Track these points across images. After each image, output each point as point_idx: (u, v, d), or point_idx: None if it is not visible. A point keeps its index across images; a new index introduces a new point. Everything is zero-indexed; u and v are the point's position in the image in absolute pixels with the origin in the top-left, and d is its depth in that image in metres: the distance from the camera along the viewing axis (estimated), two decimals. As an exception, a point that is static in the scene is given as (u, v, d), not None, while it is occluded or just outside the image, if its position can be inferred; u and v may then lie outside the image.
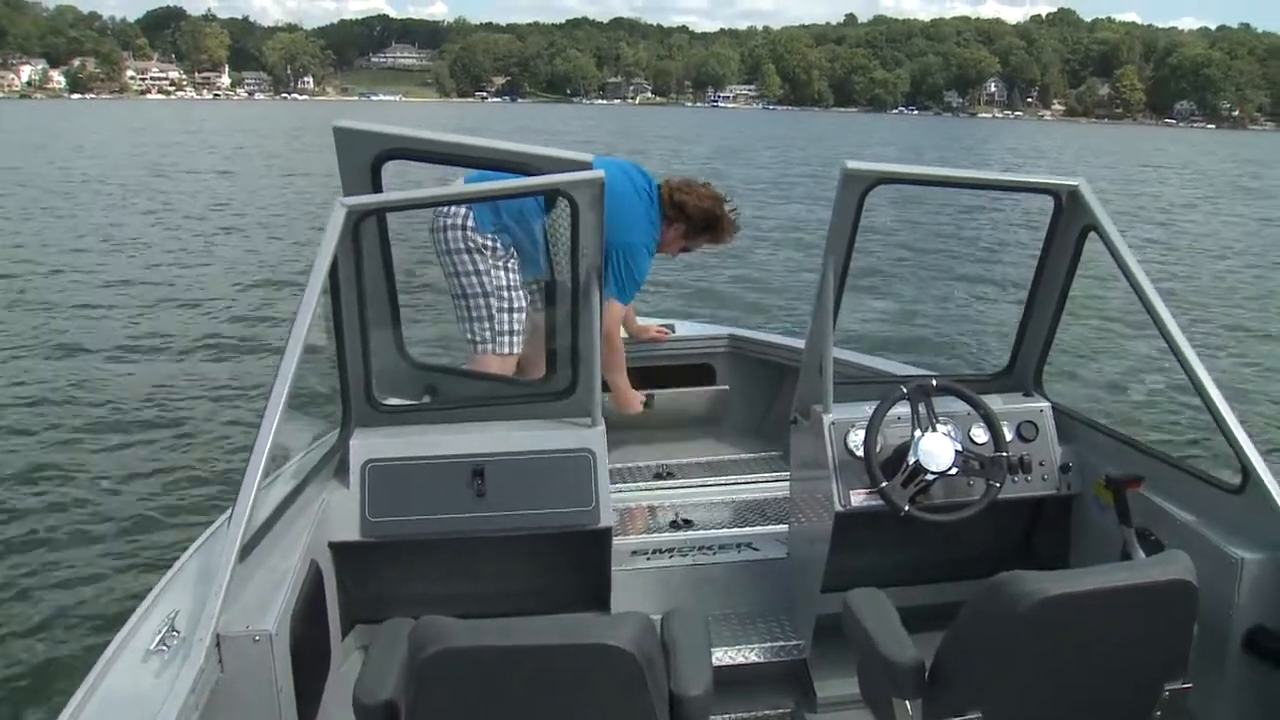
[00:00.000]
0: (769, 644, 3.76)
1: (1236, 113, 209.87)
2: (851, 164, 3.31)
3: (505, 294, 4.37)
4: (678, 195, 4.63)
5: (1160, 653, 2.43)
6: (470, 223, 4.29)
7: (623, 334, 5.08)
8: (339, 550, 3.40)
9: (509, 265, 4.37)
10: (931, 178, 3.82)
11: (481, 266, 4.33)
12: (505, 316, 4.39)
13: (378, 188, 3.55)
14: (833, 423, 3.55)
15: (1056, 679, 2.40)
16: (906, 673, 2.51)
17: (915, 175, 3.66)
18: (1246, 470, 2.98)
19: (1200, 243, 23.77)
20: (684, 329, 5.58)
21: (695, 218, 4.65)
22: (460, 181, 4.04)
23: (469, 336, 4.45)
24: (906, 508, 3.34)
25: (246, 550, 2.68)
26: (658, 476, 4.72)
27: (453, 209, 4.27)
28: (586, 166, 3.41)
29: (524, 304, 4.42)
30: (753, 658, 3.73)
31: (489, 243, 4.32)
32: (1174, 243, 23.45)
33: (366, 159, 3.52)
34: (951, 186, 3.77)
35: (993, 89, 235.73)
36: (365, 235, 3.42)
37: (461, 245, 4.31)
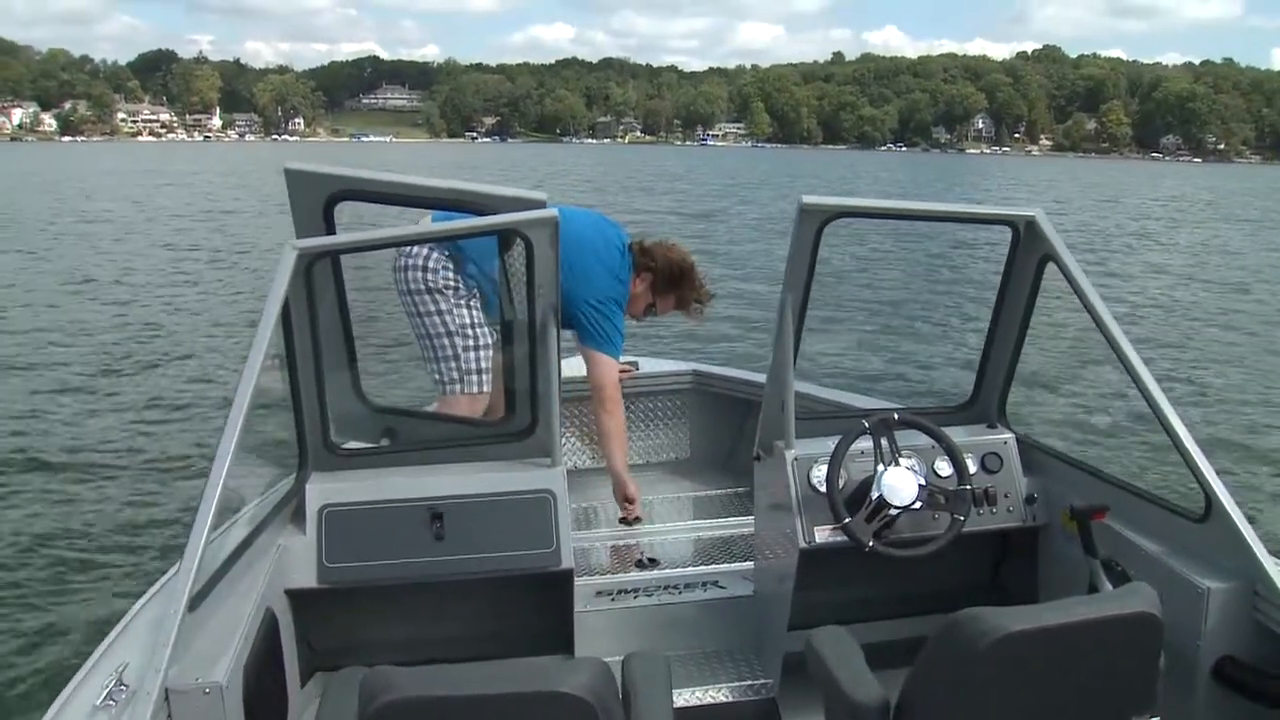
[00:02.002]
0: (737, 683, 3.70)
1: (1222, 146, 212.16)
2: (808, 198, 3.29)
3: (470, 332, 4.31)
4: (647, 245, 4.64)
5: (1127, 686, 2.38)
6: (431, 263, 4.24)
7: (582, 370, 5.04)
8: (296, 597, 3.32)
9: (472, 304, 4.32)
10: (889, 210, 3.79)
11: (444, 306, 4.27)
12: (472, 355, 4.32)
13: (330, 229, 3.50)
14: (795, 458, 3.51)
15: (1022, 715, 2.34)
16: (872, 713, 2.45)
17: (873, 208, 3.64)
18: (1210, 499, 2.97)
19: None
20: (648, 365, 5.55)
21: (663, 268, 4.61)
22: (427, 220, 4.00)
23: (436, 377, 4.38)
24: (871, 543, 3.29)
25: (197, 600, 2.61)
26: (622, 521, 4.65)
27: (414, 249, 4.23)
28: (540, 205, 3.36)
29: (490, 341, 4.34)
30: (721, 697, 3.66)
31: (451, 282, 4.26)
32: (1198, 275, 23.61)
33: (319, 200, 3.48)
34: (910, 219, 3.75)
35: (980, 125, 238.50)
36: (318, 277, 3.37)
37: (423, 285, 4.25)
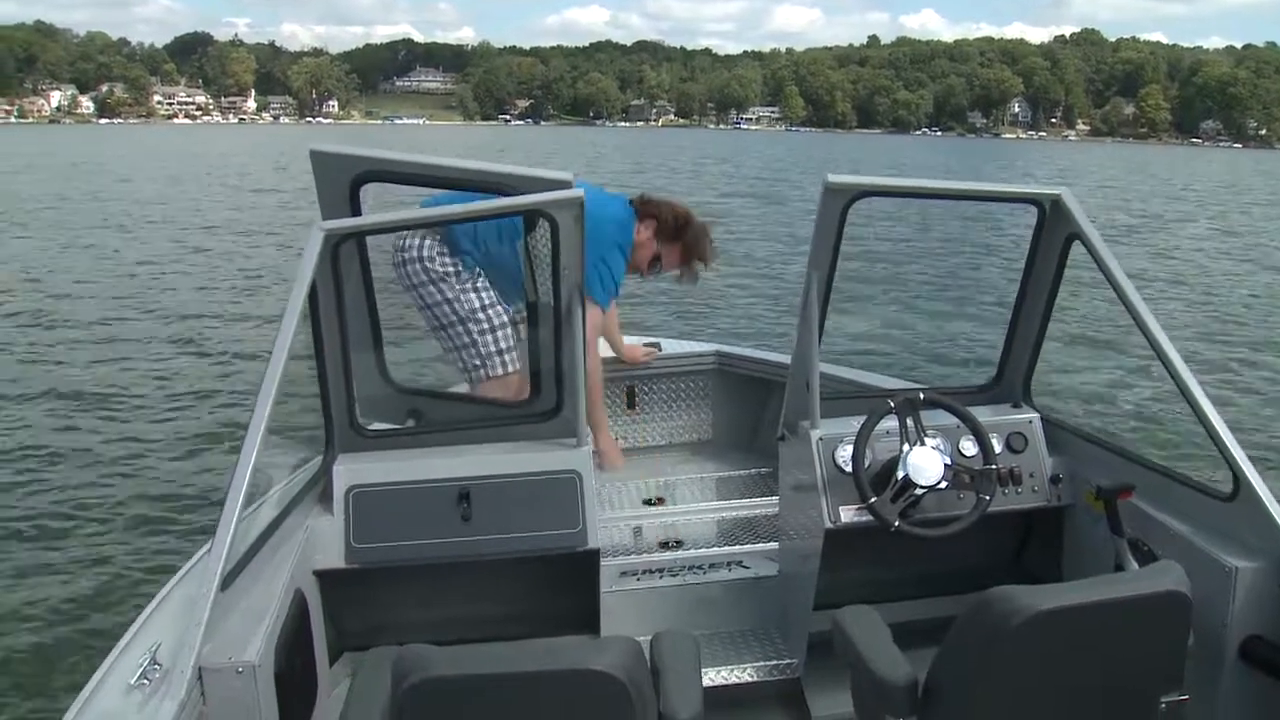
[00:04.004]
0: (762, 663, 3.71)
1: (1264, 132, 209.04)
2: (833, 177, 3.29)
3: (481, 315, 4.30)
4: (649, 196, 4.70)
5: (1155, 665, 2.38)
6: (426, 252, 4.24)
7: (608, 352, 5.01)
8: (324, 578, 3.35)
9: (478, 285, 4.31)
10: (915, 189, 3.76)
11: (449, 294, 4.27)
12: (489, 338, 4.31)
13: (356, 210, 3.52)
14: (820, 438, 3.52)
15: (1051, 694, 2.35)
16: (899, 691, 2.45)
17: (898, 187, 3.59)
18: (1238, 478, 2.96)
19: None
20: (670, 347, 5.54)
21: (666, 217, 4.63)
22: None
23: (460, 366, 4.39)
24: (897, 523, 3.31)
25: (228, 580, 2.64)
26: (646, 502, 4.66)
27: (407, 243, 4.23)
28: (566, 185, 3.35)
29: (505, 319, 4.34)
30: (746, 677, 3.68)
31: (450, 267, 4.26)
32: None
33: (345, 182, 3.49)
34: (935, 198, 3.73)
35: (1016, 109, 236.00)
36: (345, 258, 3.38)
37: (424, 277, 4.26)
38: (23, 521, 7.23)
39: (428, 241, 4.23)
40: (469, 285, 4.28)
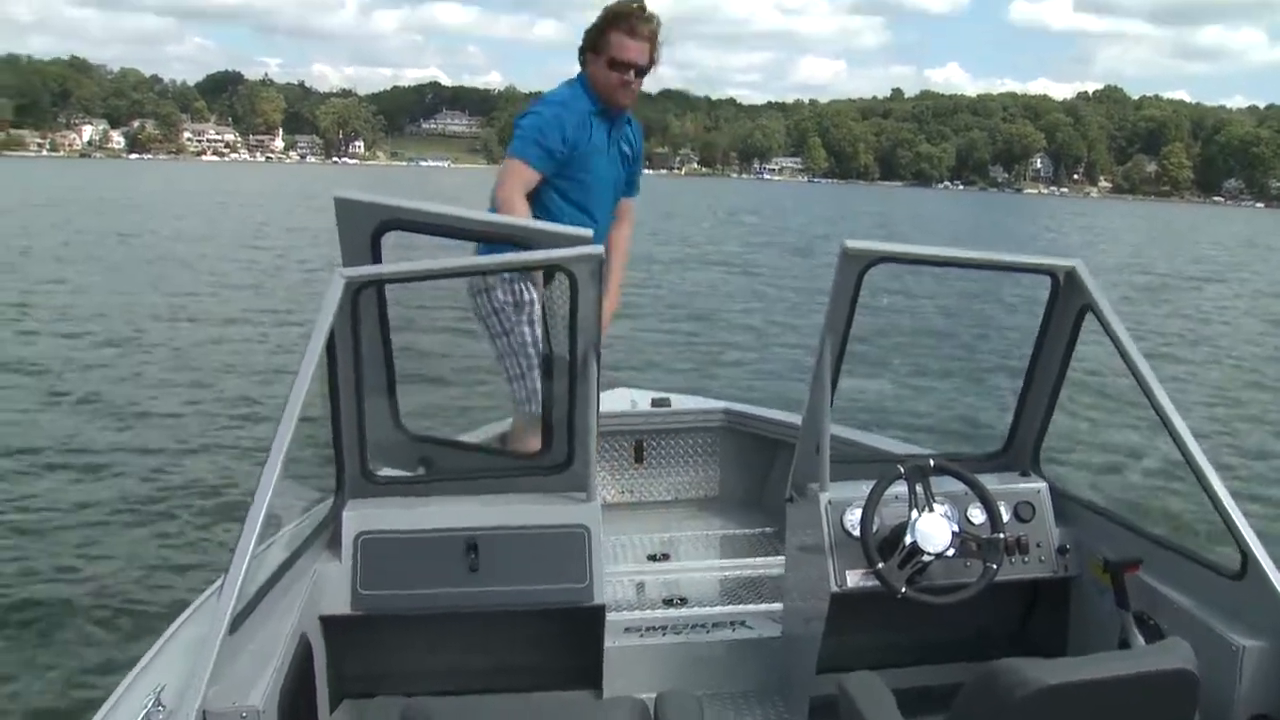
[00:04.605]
0: None
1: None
2: (851, 243, 3.30)
3: (530, 351, 4.32)
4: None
5: None
6: (490, 283, 4.27)
7: (618, 405, 4.98)
8: (329, 623, 3.35)
9: (533, 317, 4.31)
10: (931, 257, 3.78)
11: (507, 325, 4.31)
12: (537, 374, 4.31)
13: (377, 258, 3.54)
14: (829, 502, 3.51)
15: None
16: None
17: (915, 255, 3.61)
18: (1245, 555, 2.94)
19: None
20: (680, 403, 5.57)
21: (588, 31, 4.41)
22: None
23: (512, 396, 4.43)
24: (903, 589, 3.29)
25: (237, 622, 2.64)
26: (650, 557, 4.67)
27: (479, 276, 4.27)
28: (585, 241, 3.37)
29: None
30: None
31: (510, 298, 4.28)
32: None
33: (367, 229, 3.51)
34: (951, 266, 3.75)
35: (1039, 165, 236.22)
36: (364, 305, 3.40)
37: (490, 308, 4.32)
38: (25, 557, 7.24)
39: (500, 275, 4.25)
40: (525, 317, 4.30)
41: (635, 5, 4.36)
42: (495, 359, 4.45)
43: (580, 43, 4.43)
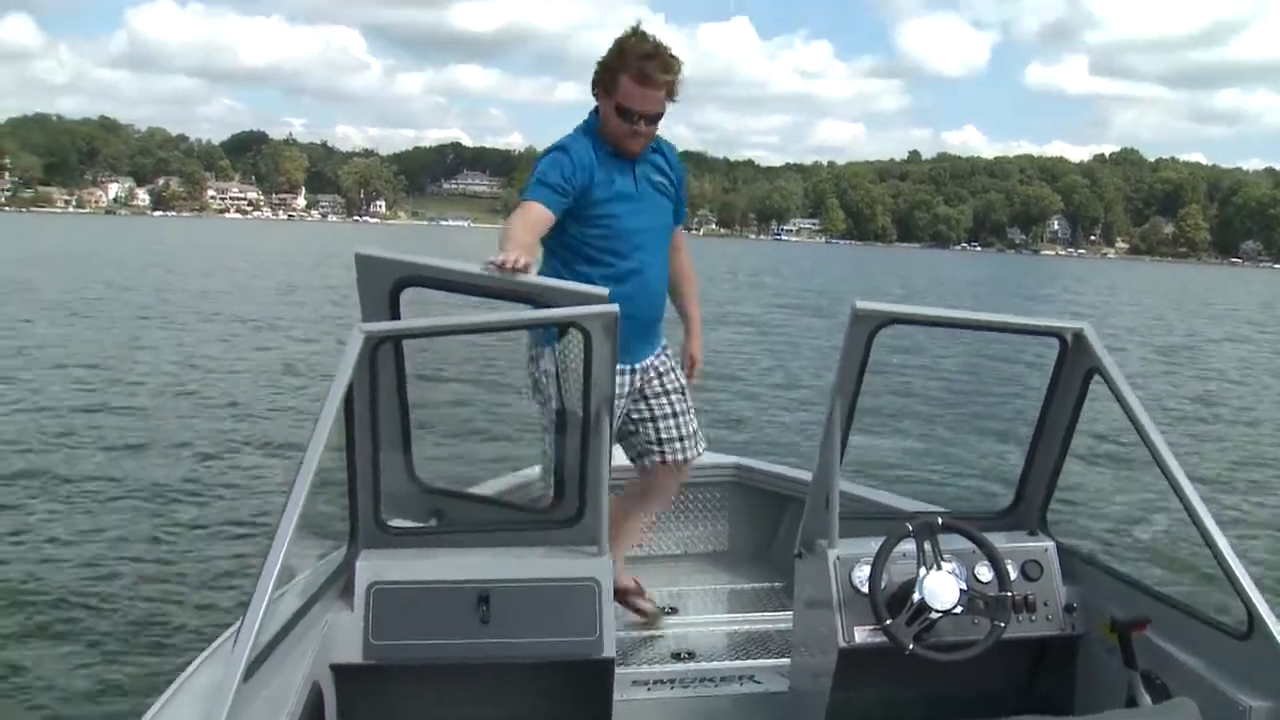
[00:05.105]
0: None
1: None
2: (861, 303, 3.33)
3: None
4: None
5: None
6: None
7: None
8: (341, 672, 3.36)
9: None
10: (941, 319, 3.80)
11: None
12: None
13: (396, 314, 3.57)
14: (838, 558, 3.53)
15: None
16: None
17: (925, 316, 3.64)
18: (1252, 615, 2.93)
19: None
20: None
21: (600, 64, 4.09)
22: None
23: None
24: (911, 646, 3.29)
25: (251, 669, 2.64)
26: (659, 610, 4.66)
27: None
28: (601, 300, 3.40)
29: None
30: None
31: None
32: None
33: (386, 285, 3.54)
34: (960, 328, 3.78)
35: (1055, 227, 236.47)
36: (382, 360, 3.45)
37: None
38: (34, 599, 7.24)
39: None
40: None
41: (650, 45, 3.99)
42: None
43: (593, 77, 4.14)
